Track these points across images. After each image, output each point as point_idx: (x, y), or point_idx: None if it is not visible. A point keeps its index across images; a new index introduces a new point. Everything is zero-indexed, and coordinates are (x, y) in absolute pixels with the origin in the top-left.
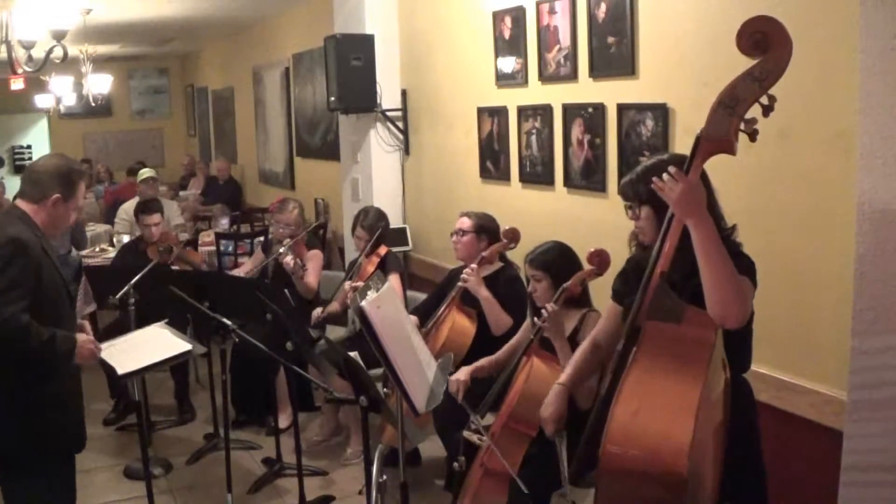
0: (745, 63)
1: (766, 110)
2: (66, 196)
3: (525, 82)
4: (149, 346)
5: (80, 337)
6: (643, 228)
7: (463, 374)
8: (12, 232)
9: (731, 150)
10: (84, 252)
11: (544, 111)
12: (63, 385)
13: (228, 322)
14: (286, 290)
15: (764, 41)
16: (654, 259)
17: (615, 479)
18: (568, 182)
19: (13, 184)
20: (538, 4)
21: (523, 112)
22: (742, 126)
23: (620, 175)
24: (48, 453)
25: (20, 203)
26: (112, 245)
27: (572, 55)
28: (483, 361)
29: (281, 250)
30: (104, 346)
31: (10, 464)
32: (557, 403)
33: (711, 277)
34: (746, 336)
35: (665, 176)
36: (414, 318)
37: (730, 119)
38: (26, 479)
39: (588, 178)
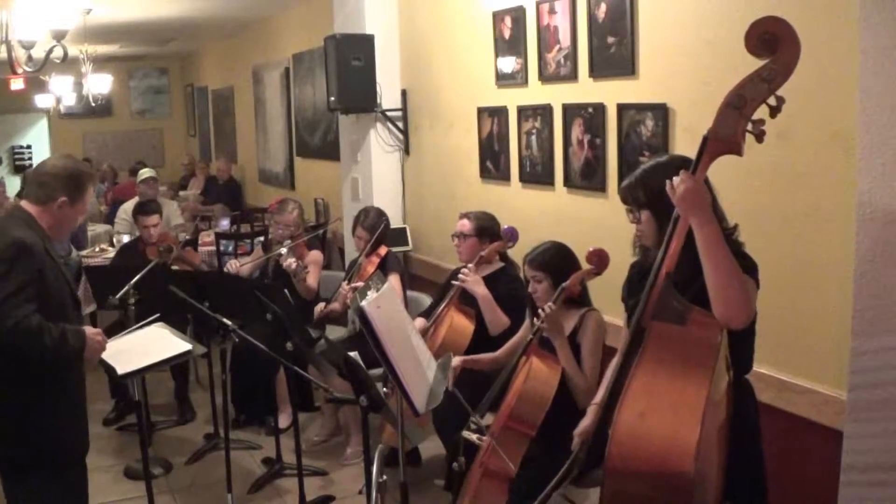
0: (745, 62)
1: (774, 111)
2: (72, 199)
3: (525, 82)
4: (149, 346)
5: (88, 330)
6: (644, 231)
7: (455, 360)
8: (16, 234)
9: (738, 151)
10: (84, 252)
11: (544, 111)
12: (65, 388)
13: (228, 322)
14: (286, 290)
15: (772, 42)
16: (659, 260)
17: (621, 479)
18: (568, 182)
19: (13, 183)
20: (538, 4)
21: (523, 112)
22: (749, 127)
23: (620, 175)
24: (56, 458)
25: (25, 204)
26: (112, 245)
27: (572, 55)
28: (481, 356)
29: (282, 251)
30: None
31: (16, 469)
32: (589, 422)
33: (716, 278)
34: (749, 337)
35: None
36: (421, 321)
37: (737, 120)
38: (32, 485)
39: (588, 178)
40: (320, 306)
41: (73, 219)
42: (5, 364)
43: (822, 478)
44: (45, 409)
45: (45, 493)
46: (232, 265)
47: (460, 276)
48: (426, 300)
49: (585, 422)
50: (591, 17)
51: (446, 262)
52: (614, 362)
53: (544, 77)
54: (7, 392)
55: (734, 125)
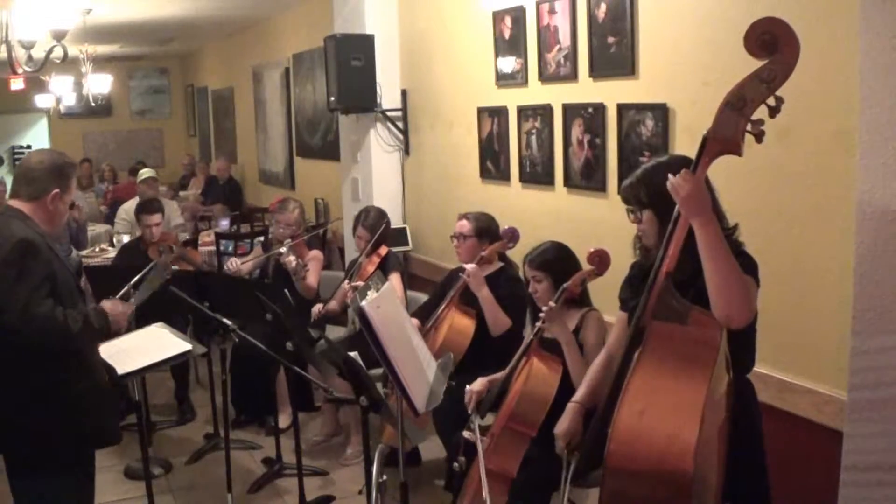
0: (745, 62)
1: (773, 112)
2: (63, 190)
3: (525, 82)
4: (149, 346)
5: (106, 304)
6: (645, 231)
7: (479, 384)
8: (19, 233)
9: (737, 151)
10: (84, 252)
11: (544, 111)
12: (85, 382)
13: (228, 322)
14: (286, 290)
15: (772, 42)
16: (659, 260)
17: (621, 478)
18: (568, 182)
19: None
20: (538, 4)
21: (523, 112)
22: (749, 127)
23: (620, 175)
24: (59, 453)
25: (15, 203)
26: (112, 245)
27: (572, 55)
28: (499, 375)
29: (282, 250)
30: (104, 346)
31: (23, 463)
32: (569, 421)
33: (717, 278)
34: (750, 336)
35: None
36: (416, 321)
37: (737, 120)
38: (39, 480)
39: (588, 178)
40: (318, 307)
41: (64, 211)
42: (20, 361)
43: (822, 478)
44: (62, 407)
45: (53, 492)
46: (232, 263)
47: (466, 269)
48: (426, 300)
49: (565, 423)
50: (591, 17)
51: (446, 262)
52: (597, 361)
53: (544, 77)
54: (19, 389)
55: (734, 125)
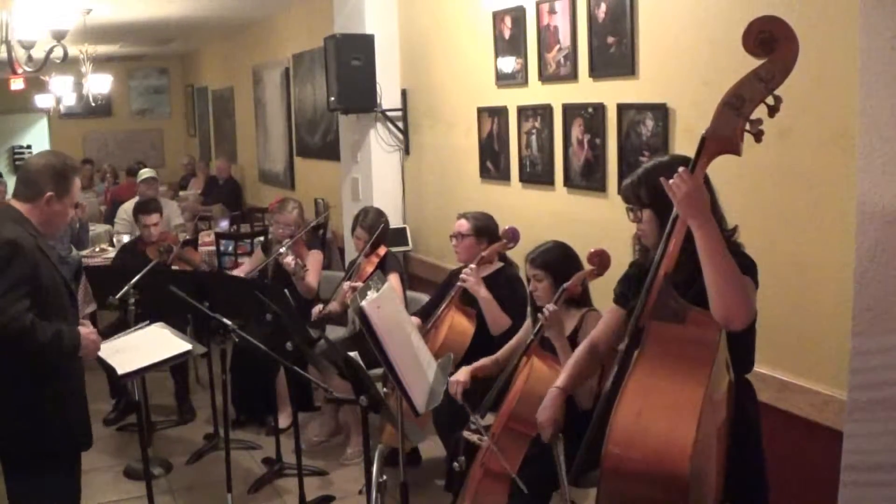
0: (745, 62)
1: (772, 111)
2: (59, 193)
3: (525, 82)
4: (149, 346)
5: (83, 330)
6: (645, 231)
7: (462, 374)
8: (7, 233)
9: (736, 151)
10: (84, 252)
11: (544, 111)
12: (67, 384)
13: (228, 322)
14: (286, 290)
15: (770, 41)
16: (657, 260)
17: (617, 480)
18: (568, 182)
19: (13, 183)
20: (538, 4)
21: (523, 112)
22: (747, 126)
23: (620, 175)
24: (52, 453)
25: (14, 203)
26: (112, 245)
27: (572, 55)
28: (484, 361)
29: (281, 250)
30: (104, 345)
31: (15, 463)
32: (553, 407)
33: (715, 280)
34: (750, 337)
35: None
36: (416, 320)
37: (735, 119)
38: (31, 479)
39: (588, 178)
40: (318, 308)
41: (62, 213)
42: (5, 361)
43: (822, 478)
44: (43, 404)
45: (42, 489)
46: (240, 273)
47: (462, 275)
48: (426, 300)
49: (548, 410)
50: (591, 17)
51: (446, 262)
52: (580, 348)
53: (544, 77)
54: (7, 389)
55: (732, 125)
